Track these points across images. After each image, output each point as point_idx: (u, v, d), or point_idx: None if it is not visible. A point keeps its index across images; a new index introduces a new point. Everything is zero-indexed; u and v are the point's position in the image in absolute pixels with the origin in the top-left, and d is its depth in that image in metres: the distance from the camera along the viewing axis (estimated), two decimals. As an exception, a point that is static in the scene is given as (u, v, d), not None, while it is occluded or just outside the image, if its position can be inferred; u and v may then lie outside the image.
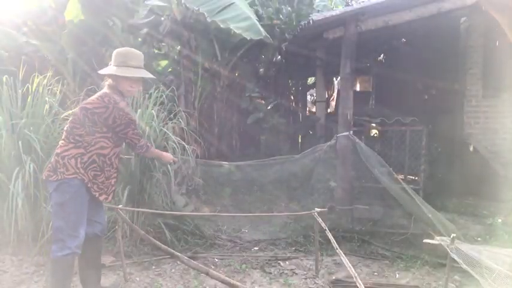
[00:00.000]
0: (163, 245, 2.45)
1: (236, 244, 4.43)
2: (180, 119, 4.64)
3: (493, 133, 6.25)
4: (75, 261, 2.79)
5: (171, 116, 4.62)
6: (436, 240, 2.70)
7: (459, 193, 5.69)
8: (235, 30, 5.20)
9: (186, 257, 2.59)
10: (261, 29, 5.26)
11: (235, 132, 7.45)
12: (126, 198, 3.84)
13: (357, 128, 5.43)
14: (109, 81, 2.86)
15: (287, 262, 3.95)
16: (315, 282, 3.49)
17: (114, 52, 2.88)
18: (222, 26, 5.23)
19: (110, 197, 2.90)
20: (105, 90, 2.83)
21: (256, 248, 4.35)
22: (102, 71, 2.87)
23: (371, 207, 4.94)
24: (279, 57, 8.36)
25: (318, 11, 7.52)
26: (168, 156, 3.24)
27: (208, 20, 5.27)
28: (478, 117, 6.25)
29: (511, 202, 5.28)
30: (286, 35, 7.28)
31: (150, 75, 2.96)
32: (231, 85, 7.20)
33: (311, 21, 4.84)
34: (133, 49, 3.00)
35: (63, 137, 2.80)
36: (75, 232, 2.68)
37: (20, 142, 3.81)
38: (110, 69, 2.84)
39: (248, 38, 5.33)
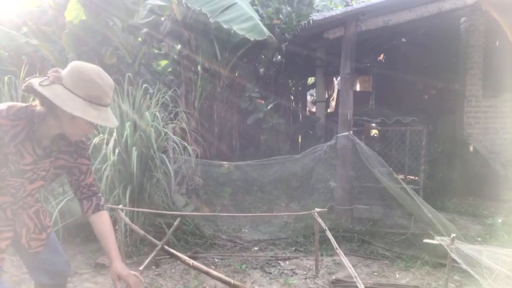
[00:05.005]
0: (163, 245, 2.45)
1: (236, 244, 4.43)
2: (180, 119, 4.64)
3: (493, 133, 6.27)
4: None
5: (172, 116, 4.62)
6: (436, 240, 2.69)
7: (459, 193, 5.71)
8: (239, 32, 5.10)
9: (186, 257, 2.58)
10: (264, 29, 5.18)
11: (235, 132, 7.44)
12: (126, 198, 3.84)
13: (357, 128, 5.43)
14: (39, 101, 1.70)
15: (287, 262, 3.95)
16: (315, 282, 3.49)
17: (72, 64, 1.68)
18: (224, 27, 5.14)
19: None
20: (33, 104, 1.74)
21: (256, 248, 4.35)
22: (33, 84, 1.61)
23: (371, 207, 4.94)
24: (279, 57, 8.38)
25: (318, 11, 7.55)
26: None
27: (211, 20, 5.21)
28: (478, 117, 6.28)
29: (511, 202, 5.30)
30: (286, 35, 7.29)
31: (111, 123, 1.72)
32: (231, 85, 7.20)
33: (311, 21, 4.84)
34: (103, 75, 1.69)
35: None
36: None
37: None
38: (47, 87, 1.60)
39: (252, 39, 5.20)
